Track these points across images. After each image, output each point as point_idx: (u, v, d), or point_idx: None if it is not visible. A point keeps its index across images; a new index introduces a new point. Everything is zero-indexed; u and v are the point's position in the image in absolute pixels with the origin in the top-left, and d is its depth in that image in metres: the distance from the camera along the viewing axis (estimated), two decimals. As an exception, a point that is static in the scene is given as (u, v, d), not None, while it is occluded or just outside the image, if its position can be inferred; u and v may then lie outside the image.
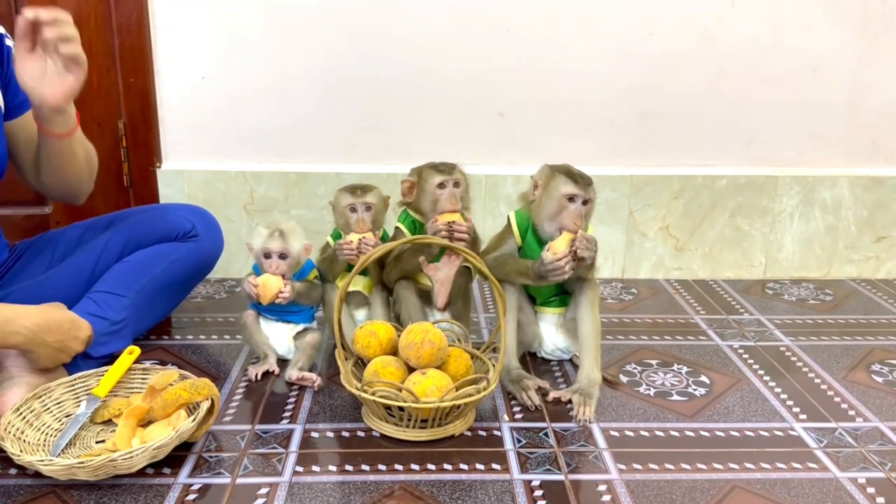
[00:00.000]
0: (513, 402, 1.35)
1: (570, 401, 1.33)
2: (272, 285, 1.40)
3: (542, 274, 1.34)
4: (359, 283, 1.51)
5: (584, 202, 1.35)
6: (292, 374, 1.40)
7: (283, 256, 1.42)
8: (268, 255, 1.42)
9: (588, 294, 1.39)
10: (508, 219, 1.44)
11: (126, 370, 1.29)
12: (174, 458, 1.14)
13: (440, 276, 1.43)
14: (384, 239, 1.53)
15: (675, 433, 1.26)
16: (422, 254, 1.41)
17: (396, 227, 1.50)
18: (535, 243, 1.40)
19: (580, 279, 1.39)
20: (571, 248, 1.31)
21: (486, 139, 1.94)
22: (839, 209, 2.02)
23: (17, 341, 1.21)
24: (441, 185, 1.43)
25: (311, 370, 1.45)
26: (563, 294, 1.47)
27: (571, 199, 1.34)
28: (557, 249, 1.32)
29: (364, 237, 1.44)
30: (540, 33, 1.86)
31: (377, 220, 1.50)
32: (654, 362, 1.53)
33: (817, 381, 1.46)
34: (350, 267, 1.50)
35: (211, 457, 1.16)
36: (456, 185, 1.44)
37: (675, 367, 1.51)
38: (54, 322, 1.25)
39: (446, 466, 1.15)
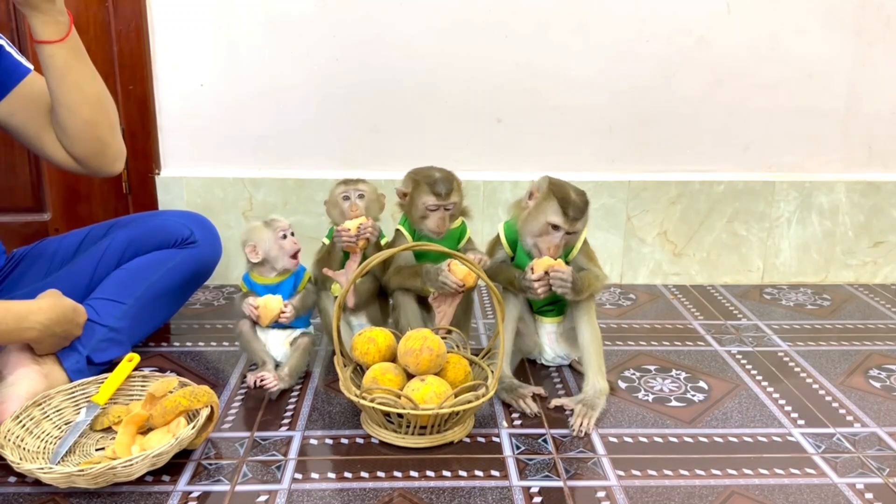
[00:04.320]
0: (511, 409, 1.35)
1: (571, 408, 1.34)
2: (273, 307, 1.40)
3: (522, 287, 1.36)
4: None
5: (569, 233, 1.33)
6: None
7: (292, 233, 1.44)
8: (283, 236, 1.43)
9: (584, 304, 1.39)
10: (498, 232, 1.45)
11: (125, 377, 1.29)
12: (173, 466, 1.14)
13: (444, 307, 1.44)
14: (381, 239, 1.54)
15: (674, 439, 1.26)
16: (420, 277, 1.41)
17: (397, 230, 1.50)
18: (526, 254, 1.40)
19: None
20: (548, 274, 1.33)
21: (484, 145, 1.94)
22: (836, 214, 2.02)
23: (31, 336, 1.24)
24: (433, 209, 1.42)
25: (305, 375, 1.47)
26: (560, 302, 1.47)
27: (556, 227, 1.33)
28: (537, 270, 1.33)
29: (361, 224, 1.44)
30: (538, 40, 1.87)
31: (370, 210, 1.51)
32: (652, 368, 1.53)
33: (815, 386, 1.47)
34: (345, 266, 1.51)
35: (210, 464, 1.16)
36: (447, 208, 1.43)
37: (674, 372, 1.51)
38: (62, 314, 1.28)
39: (445, 473, 1.15)
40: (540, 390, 1.40)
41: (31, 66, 1.37)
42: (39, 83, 1.34)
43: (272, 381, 1.38)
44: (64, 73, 1.28)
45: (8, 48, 1.34)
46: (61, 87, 1.29)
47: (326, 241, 1.52)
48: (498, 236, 1.45)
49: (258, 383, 1.39)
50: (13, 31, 1.75)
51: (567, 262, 1.39)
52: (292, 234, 1.44)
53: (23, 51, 1.76)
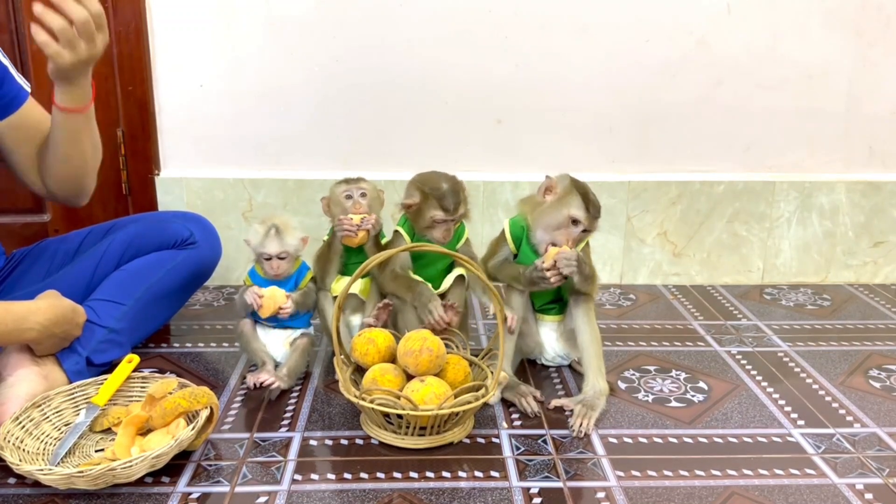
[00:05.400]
0: (511, 410, 1.35)
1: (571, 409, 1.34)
2: (278, 299, 1.40)
3: (532, 279, 1.36)
4: (355, 287, 1.51)
5: (584, 230, 1.36)
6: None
7: (281, 257, 1.42)
8: (267, 258, 1.42)
9: (582, 305, 1.39)
10: (503, 228, 1.45)
11: (125, 379, 1.29)
12: (173, 467, 1.14)
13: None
14: (381, 238, 1.54)
15: (674, 440, 1.26)
16: (412, 292, 1.40)
17: (396, 231, 1.50)
18: (531, 252, 1.40)
19: (576, 291, 1.40)
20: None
21: (484, 146, 1.94)
22: (836, 214, 2.02)
23: (31, 337, 1.24)
24: (440, 222, 1.41)
25: (305, 376, 1.47)
26: (561, 301, 1.47)
27: (575, 222, 1.35)
28: (548, 260, 1.34)
29: (364, 217, 1.45)
30: (538, 41, 1.87)
31: (372, 208, 1.50)
32: (652, 368, 1.53)
33: (815, 386, 1.47)
34: (346, 268, 1.51)
35: (210, 465, 1.16)
36: (454, 220, 1.42)
37: (674, 373, 1.51)
38: (62, 315, 1.28)
39: (445, 474, 1.15)
40: (537, 394, 1.39)
41: (28, 89, 1.38)
42: (36, 113, 1.37)
43: (270, 379, 1.38)
44: (74, 137, 1.31)
45: (11, 70, 1.36)
46: (65, 145, 1.32)
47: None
48: (503, 233, 1.45)
49: (257, 384, 1.39)
50: (13, 31, 1.75)
51: None
52: (281, 258, 1.41)
53: (22, 53, 1.77)
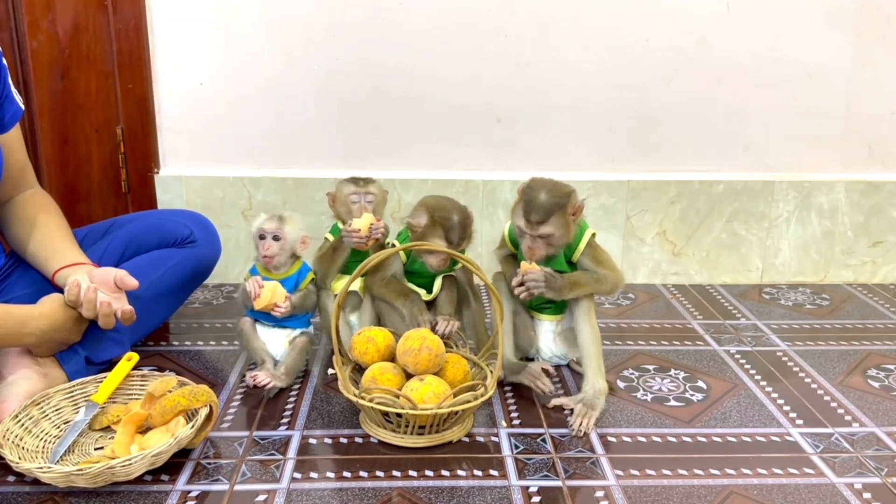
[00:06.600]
0: (511, 409, 1.35)
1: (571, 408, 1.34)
2: (277, 295, 1.40)
3: (510, 288, 1.37)
4: (355, 284, 1.51)
5: (539, 236, 1.31)
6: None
7: (276, 238, 1.41)
8: (262, 237, 1.42)
9: (582, 304, 1.39)
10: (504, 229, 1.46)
11: (124, 377, 1.29)
12: (172, 465, 1.14)
13: None
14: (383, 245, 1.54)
15: (673, 439, 1.26)
16: (406, 299, 1.40)
17: (393, 244, 1.49)
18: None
19: None
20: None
21: (483, 145, 1.94)
22: (836, 214, 2.02)
23: (30, 342, 1.25)
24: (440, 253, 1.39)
25: (304, 374, 1.46)
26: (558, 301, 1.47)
27: (522, 231, 1.33)
28: (523, 270, 1.34)
29: (372, 224, 1.45)
30: (537, 40, 1.87)
31: (377, 211, 1.51)
32: (651, 368, 1.53)
33: (814, 386, 1.47)
34: (347, 267, 1.51)
35: (209, 464, 1.16)
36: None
37: (673, 372, 1.51)
38: (63, 323, 1.27)
39: (444, 473, 1.15)
40: (549, 367, 1.42)
41: (22, 107, 1.39)
42: (16, 149, 1.39)
43: (265, 379, 1.38)
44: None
45: (13, 91, 1.36)
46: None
47: (330, 237, 1.52)
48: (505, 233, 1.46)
49: (253, 382, 1.39)
50: (12, 29, 1.75)
51: (571, 263, 1.39)
52: (275, 238, 1.41)
53: (22, 52, 1.77)
